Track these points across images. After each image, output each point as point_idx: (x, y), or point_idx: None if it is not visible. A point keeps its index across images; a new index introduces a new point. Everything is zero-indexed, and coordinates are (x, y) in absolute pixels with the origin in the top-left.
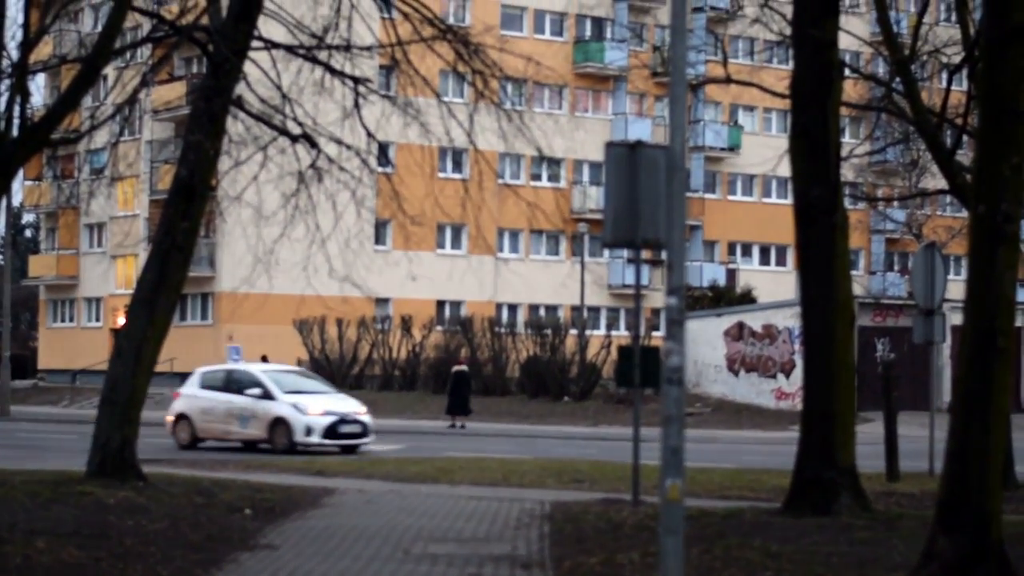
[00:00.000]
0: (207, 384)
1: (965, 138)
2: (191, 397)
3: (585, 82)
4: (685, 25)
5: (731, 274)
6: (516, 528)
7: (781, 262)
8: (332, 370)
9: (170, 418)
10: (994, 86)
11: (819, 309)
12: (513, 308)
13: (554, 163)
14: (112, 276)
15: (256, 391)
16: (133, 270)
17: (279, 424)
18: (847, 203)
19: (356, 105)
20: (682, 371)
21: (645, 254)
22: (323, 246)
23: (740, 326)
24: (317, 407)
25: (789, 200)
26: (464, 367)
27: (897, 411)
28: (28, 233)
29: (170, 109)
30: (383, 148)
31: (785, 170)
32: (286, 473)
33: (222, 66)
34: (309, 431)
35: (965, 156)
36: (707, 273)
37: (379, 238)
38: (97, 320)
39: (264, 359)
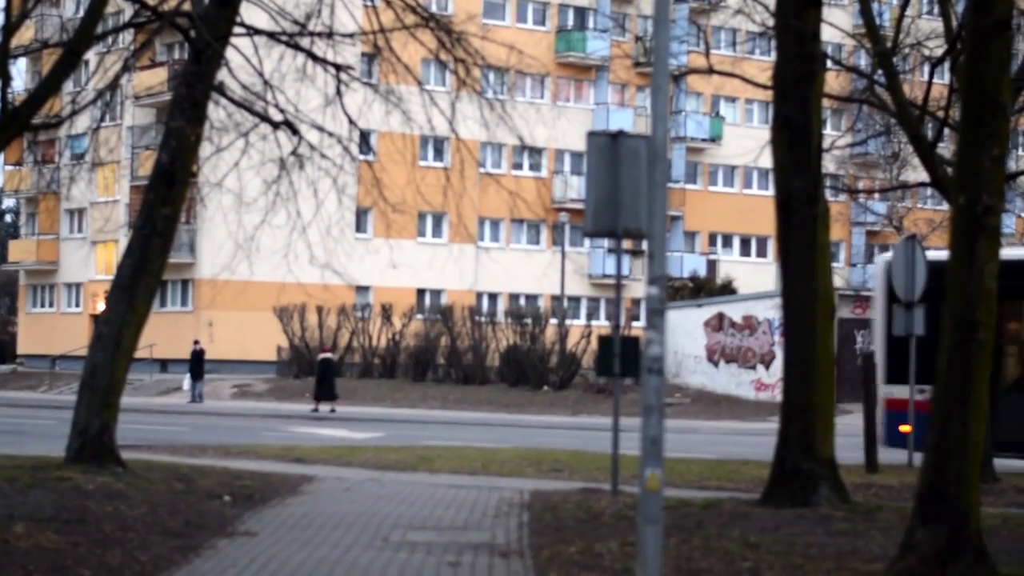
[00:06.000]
0: None
1: (947, 131)
2: None
3: (567, 72)
4: (668, 15)
5: (712, 265)
6: (495, 517)
7: (762, 253)
8: (312, 358)
9: None
10: (976, 78)
11: (799, 300)
12: (493, 297)
13: (536, 152)
14: (92, 262)
15: None
16: (113, 256)
17: None
18: (828, 195)
19: (338, 92)
20: (662, 361)
21: (626, 244)
22: (304, 233)
23: (720, 317)
24: None
25: (770, 191)
26: (330, 355)
27: (876, 403)
28: (8, 218)
29: (152, 95)
30: (365, 136)
31: (767, 161)
32: (265, 460)
33: (204, 52)
34: None
35: (946, 149)
36: (688, 264)
37: (360, 226)
38: (77, 306)
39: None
